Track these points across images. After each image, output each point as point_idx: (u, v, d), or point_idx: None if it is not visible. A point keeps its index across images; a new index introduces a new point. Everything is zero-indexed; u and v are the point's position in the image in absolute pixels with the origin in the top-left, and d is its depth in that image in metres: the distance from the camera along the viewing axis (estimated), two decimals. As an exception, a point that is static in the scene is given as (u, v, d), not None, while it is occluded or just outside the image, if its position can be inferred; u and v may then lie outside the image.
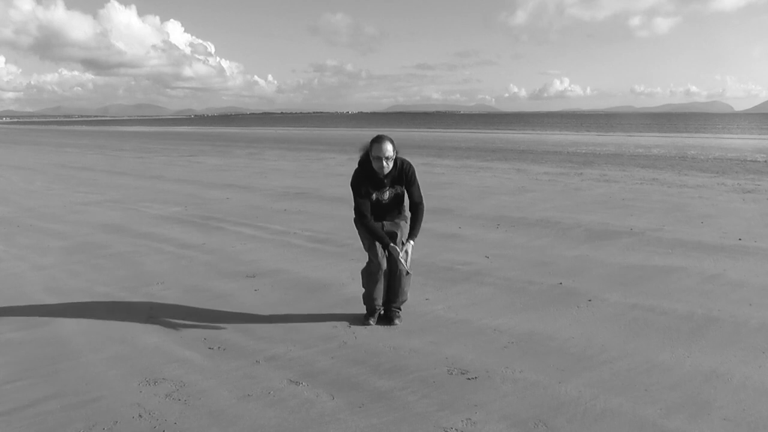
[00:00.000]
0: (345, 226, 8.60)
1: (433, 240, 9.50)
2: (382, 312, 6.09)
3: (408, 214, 5.97)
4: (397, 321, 5.96)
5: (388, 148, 5.54)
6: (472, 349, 5.23)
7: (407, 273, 5.85)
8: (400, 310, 6.06)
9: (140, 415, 4.22)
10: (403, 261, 5.67)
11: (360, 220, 5.78)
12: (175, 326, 5.98)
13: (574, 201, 13.69)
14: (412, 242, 5.72)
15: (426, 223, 9.98)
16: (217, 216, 12.30)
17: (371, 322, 5.96)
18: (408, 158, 5.93)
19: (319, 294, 6.92)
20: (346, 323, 5.94)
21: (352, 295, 6.58)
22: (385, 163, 5.56)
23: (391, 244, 5.67)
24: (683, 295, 6.67)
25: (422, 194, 5.94)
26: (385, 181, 5.72)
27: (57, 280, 7.77)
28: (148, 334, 5.77)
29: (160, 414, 4.23)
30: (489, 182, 17.76)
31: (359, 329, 5.78)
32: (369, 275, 5.93)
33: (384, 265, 5.86)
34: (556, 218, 11.32)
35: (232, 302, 6.71)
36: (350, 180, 5.78)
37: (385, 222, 5.89)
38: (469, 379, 4.66)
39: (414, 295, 6.55)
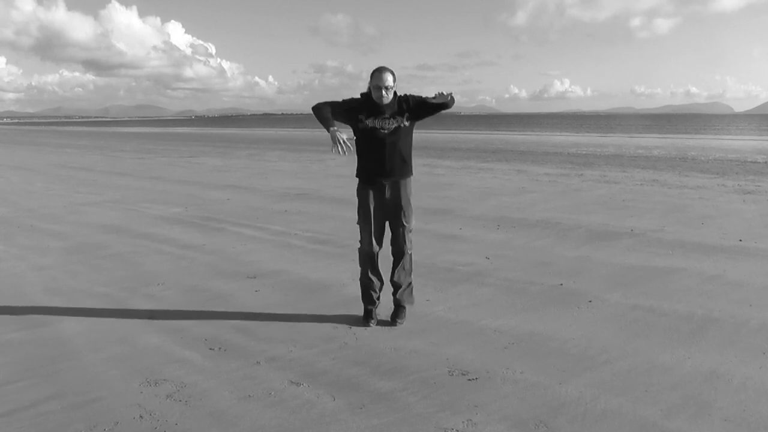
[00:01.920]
0: (346, 226, 8.60)
1: (434, 241, 9.51)
2: (379, 303, 6.09)
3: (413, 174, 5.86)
4: (399, 321, 5.93)
5: (389, 78, 5.48)
6: (472, 350, 5.23)
7: (403, 225, 5.79)
8: (404, 307, 6.05)
9: (141, 416, 4.22)
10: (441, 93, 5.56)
11: (316, 104, 5.71)
12: (175, 327, 5.98)
13: (574, 202, 13.69)
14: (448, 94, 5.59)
15: (427, 224, 10.00)
16: (218, 217, 12.30)
17: (371, 324, 5.91)
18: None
19: (320, 295, 6.92)
20: (346, 324, 5.93)
21: (352, 295, 6.57)
22: (384, 93, 5.48)
23: (333, 128, 5.53)
24: (683, 295, 6.68)
25: None
26: (385, 108, 5.57)
27: (57, 280, 7.78)
28: (149, 335, 5.77)
29: (160, 415, 4.23)
30: (490, 183, 17.76)
31: (360, 330, 5.78)
32: (360, 255, 5.99)
33: (373, 250, 5.86)
34: (556, 219, 11.33)
35: (233, 303, 6.72)
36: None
37: (387, 181, 5.70)
38: (469, 379, 4.67)
39: (415, 296, 6.56)
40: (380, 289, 6.09)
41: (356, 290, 6.34)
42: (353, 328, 5.84)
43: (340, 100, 5.72)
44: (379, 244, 5.93)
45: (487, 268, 7.87)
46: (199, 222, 11.78)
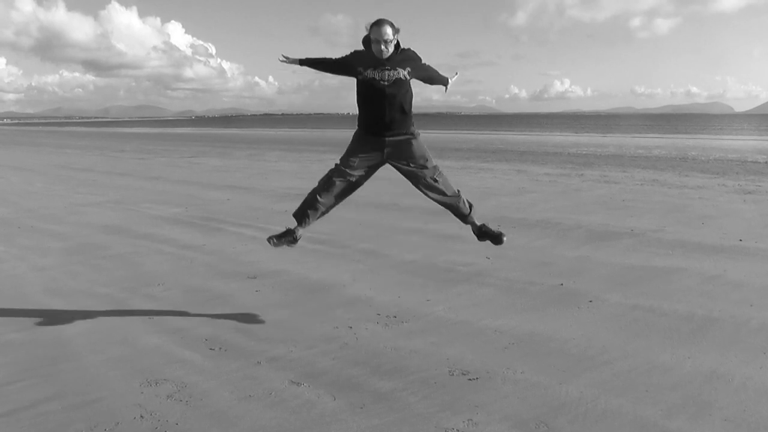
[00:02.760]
0: (346, 227, 8.63)
1: (434, 241, 9.51)
2: (299, 236, 6.20)
3: (418, 132, 5.82)
4: (504, 238, 6.17)
5: (388, 31, 5.37)
6: (473, 350, 5.24)
7: (425, 167, 5.77)
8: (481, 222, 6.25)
9: (141, 416, 4.22)
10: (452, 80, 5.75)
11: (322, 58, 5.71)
12: (175, 327, 5.98)
13: (574, 202, 13.69)
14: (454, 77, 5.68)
15: (427, 224, 10.00)
16: (218, 217, 12.30)
17: (297, 234, 6.14)
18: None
19: (320, 295, 6.92)
20: (347, 324, 5.93)
21: (353, 296, 6.58)
22: (384, 47, 5.38)
23: (283, 56, 5.62)
24: (684, 295, 6.67)
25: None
26: (386, 60, 5.47)
27: (57, 281, 7.78)
28: (149, 335, 5.78)
29: (161, 415, 4.24)
30: (490, 183, 17.76)
31: (361, 330, 5.78)
32: (326, 177, 5.90)
33: (345, 172, 5.76)
34: (556, 219, 11.32)
35: (233, 303, 6.72)
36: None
37: (388, 138, 5.63)
38: (470, 379, 4.67)
39: (415, 296, 6.57)
40: (317, 217, 6.11)
41: (357, 290, 6.37)
42: (354, 328, 5.84)
43: (347, 55, 5.64)
44: (353, 177, 5.81)
45: (487, 268, 7.87)
46: (199, 222, 11.78)
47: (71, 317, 6.33)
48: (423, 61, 5.73)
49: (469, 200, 6.11)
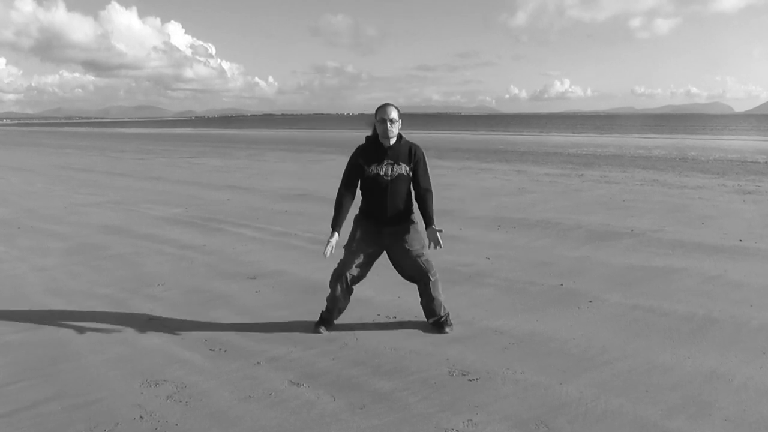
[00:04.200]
0: (347, 227, 8.52)
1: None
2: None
3: (417, 221, 5.81)
4: (447, 329, 5.80)
5: (393, 111, 5.50)
6: (473, 351, 5.24)
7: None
8: (448, 318, 5.89)
9: (141, 417, 4.22)
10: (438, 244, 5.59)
11: (338, 189, 5.72)
12: (176, 328, 5.98)
13: (574, 202, 13.70)
14: (435, 226, 5.59)
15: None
16: (218, 217, 12.31)
17: (321, 330, 5.86)
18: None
19: (320, 295, 6.87)
20: (347, 324, 5.93)
21: (353, 297, 6.57)
22: (389, 126, 5.47)
23: (332, 235, 5.67)
24: (684, 295, 6.68)
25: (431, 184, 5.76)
26: (389, 152, 5.56)
27: (57, 281, 7.78)
28: (149, 336, 5.78)
29: (161, 415, 4.24)
30: (490, 184, 17.77)
31: (360, 331, 5.79)
32: (333, 275, 5.89)
33: (348, 270, 5.77)
34: (556, 219, 11.33)
35: (233, 304, 6.72)
36: (352, 154, 5.72)
37: (386, 229, 5.69)
38: (470, 380, 4.67)
39: (415, 296, 6.54)
40: (342, 311, 6.00)
41: (357, 291, 6.33)
42: (354, 328, 5.84)
43: (351, 165, 5.69)
44: (359, 273, 5.84)
45: (488, 269, 7.87)
46: (199, 222, 11.78)
47: (71, 317, 6.34)
48: (426, 167, 5.75)
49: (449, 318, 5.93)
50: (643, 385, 4.51)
